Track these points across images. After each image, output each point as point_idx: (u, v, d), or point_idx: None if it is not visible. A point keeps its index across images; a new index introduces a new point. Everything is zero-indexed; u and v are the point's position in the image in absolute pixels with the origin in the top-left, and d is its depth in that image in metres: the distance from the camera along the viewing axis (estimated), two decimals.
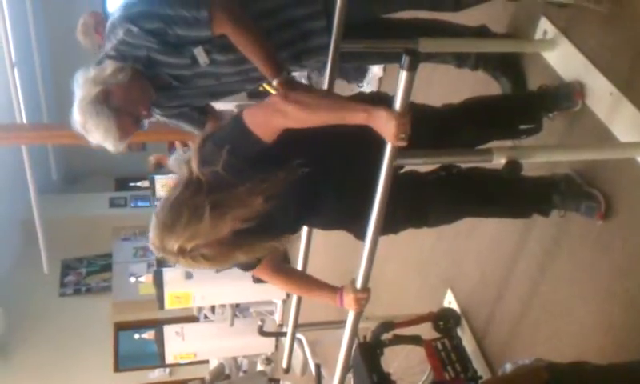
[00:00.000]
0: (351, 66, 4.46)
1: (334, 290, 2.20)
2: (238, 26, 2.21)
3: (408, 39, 2.47)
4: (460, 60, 2.83)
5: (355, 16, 2.35)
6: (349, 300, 2.09)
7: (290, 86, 2.22)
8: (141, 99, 2.36)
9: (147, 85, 2.38)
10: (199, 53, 2.28)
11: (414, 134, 1.74)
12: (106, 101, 2.27)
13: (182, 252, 1.81)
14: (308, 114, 1.81)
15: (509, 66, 2.80)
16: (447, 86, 2.45)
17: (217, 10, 2.17)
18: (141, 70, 2.33)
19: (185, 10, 2.17)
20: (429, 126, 2.15)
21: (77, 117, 2.30)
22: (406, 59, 1.62)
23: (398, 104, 1.70)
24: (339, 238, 5.46)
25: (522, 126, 2.50)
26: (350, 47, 2.43)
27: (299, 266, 2.85)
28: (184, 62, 2.32)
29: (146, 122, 2.44)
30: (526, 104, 2.55)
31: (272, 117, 1.84)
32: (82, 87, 2.29)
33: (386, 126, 1.72)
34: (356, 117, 1.79)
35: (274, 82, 2.25)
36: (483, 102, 2.52)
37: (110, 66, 2.28)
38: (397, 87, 1.67)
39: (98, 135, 2.31)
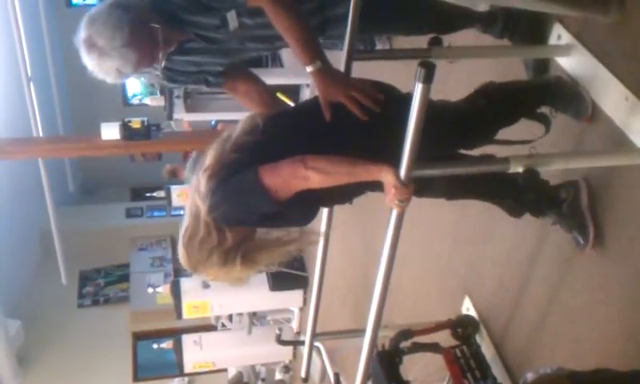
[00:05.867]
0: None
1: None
2: (277, 3, 2.10)
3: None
4: (486, 24, 2.73)
5: None
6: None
7: (324, 77, 2.09)
8: (160, 22, 2.14)
9: (169, 26, 2.19)
10: (232, 17, 2.18)
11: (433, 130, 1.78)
12: (123, 7, 2.07)
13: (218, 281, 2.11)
14: (328, 179, 1.89)
15: (536, 42, 2.74)
16: (462, 93, 2.45)
17: None
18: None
19: None
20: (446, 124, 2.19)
21: (83, 27, 2.07)
22: (421, 71, 1.62)
23: (403, 170, 1.77)
24: (356, 240, 5.47)
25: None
26: (363, 57, 2.43)
27: (317, 268, 2.85)
28: (213, 22, 2.21)
29: (159, 66, 2.25)
30: (542, 91, 2.54)
31: (294, 182, 1.90)
32: (98, 12, 2.08)
33: (389, 188, 1.82)
34: (369, 174, 1.88)
35: (308, 70, 2.11)
36: (502, 85, 2.51)
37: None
38: (412, 105, 1.67)
39: (103, 40, 2.03)
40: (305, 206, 2.05)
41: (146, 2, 2.15)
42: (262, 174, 1.91)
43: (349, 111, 2.06)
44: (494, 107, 2.40)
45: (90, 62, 2.11)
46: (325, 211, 2.54)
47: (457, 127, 2.27)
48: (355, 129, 2.07)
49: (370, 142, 2.06)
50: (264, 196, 1.91)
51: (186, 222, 2.02)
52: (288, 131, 2.11)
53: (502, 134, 2.45)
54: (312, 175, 1.87)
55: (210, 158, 2.00)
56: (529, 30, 2.65)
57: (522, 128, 2.49)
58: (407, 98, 2.15)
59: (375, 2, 2.35)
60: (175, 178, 7.69)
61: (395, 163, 1.81)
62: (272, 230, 2.14)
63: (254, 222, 2.04)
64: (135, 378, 9.41)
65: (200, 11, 2.17)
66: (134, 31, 2.06)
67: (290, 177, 1.90)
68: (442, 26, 2.60)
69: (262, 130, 2.06)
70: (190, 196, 2.04)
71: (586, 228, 2.48)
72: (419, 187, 2.28)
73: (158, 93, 6.77)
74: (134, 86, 10.67)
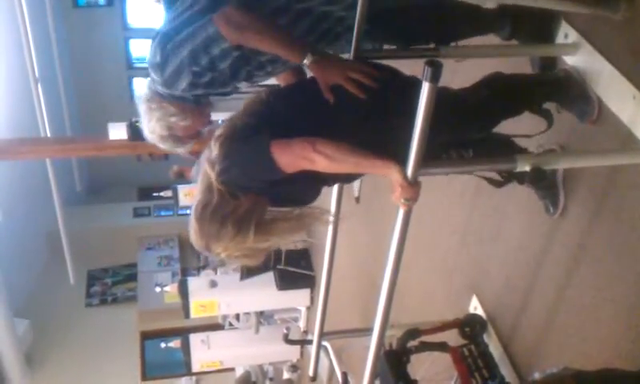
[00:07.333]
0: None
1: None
2: (242, 32, 2.13)
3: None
4: (495, 31, 2.73)
5: (381, 6, 2.31)
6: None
7: (320, 65, 2.12)
8: (200, 124, 2.49)
9: (204, 110, 2.49)
10: (241, 84, 2.38)
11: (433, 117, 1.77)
12: (171, 135, 2.44)
13: (229, 256, 2.08)
14: (334, 165, 1.93)
15: (543, 41, 2.72)
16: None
17: (219, 24, 2.12)
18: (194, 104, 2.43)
19: (197, 37, 2.17)
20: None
21: (147, 134, 2.47)
22: (428, 70, 1.62)
23: (410, 170, 1.79)
24: (363, 239, 5.48)
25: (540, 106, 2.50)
26: (370, 56, 2.42)
27: (324, 267, 2.86)
28: (227, 90, 2.42)
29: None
30: (549, 87, 2.54)
31: (301, 161, 1.95)
32: (146, 116, 2.41)
33: (396, 186, 1.83)
34: (375, 169, 1.92)
35: (305, 63, 2.13)
36: (509, 77, 2.51)
37: (172, 110, 2.38)
38: (420, 103, 1.68)
39: (165, 149, 2.55)
40: (307, 184, 2.12)
41: (176, 107, 2.39)
42: (273, 148, 1.95)
43: (350, 96, 2.08)
44: (497, 98, 2.41)
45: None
46: (333, 203, 2.56)
47: (456, 114, 2.27)
48: (358, 110, 2.10)
49: (373, 124, 2.11)
50: (272, 168, 1.96)
51: (197, 198, 2.06)
52: (292, 107, 2.16)
53: (507, 125, 2.46)
54: (319, 159, 1.91)
55: (221, 128, 2.07)
56: (536, 29, 2.65)
57: (527, 122, 2.49)
58: (411, 80, 2.17)
59: (382, 19, 2.39)
60: (182, 178, 7.71)
61: (401, 148, 1.81)
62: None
63: (260, 188, 2.06)
64: (143, 376, 9.44)
65: (214, 88, 2.35)
66: (186, 145, 2.52)
67: (299, 156, 1.94)
68: (449, 37, 2.60)
69: (267, 100, 2.14)
70: (201, 173, 2.08)
71: (558, 198, 2.66)
72: None
73: None
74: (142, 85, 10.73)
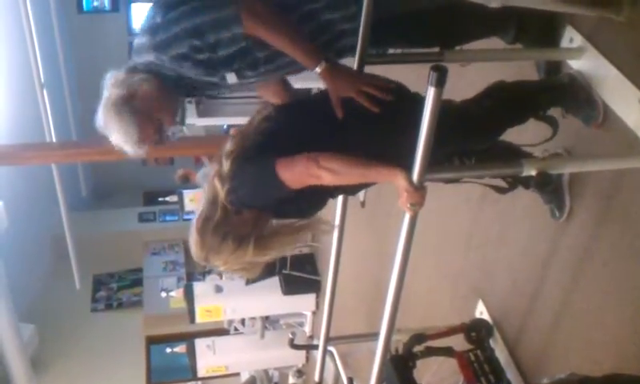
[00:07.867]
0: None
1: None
2: (266, 25, 2.13)
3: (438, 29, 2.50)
4: (499, 35, 2.72)
5: (384, 12, 2.29)
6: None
7: (332, 75, 2.13)
8: (165, 108, 2.32)
9: (174, 98, 2.37)
10: (230, 76, 2.28)
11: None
12: (130, 102, 2.23)
13: (228, 269, 2.10)
14: (339, 179, 1.96)
15: (548, 45, 2.72)
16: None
17: (242, 12, 2.10)
18: (169, 85, 2.31)
19: (210, 13, 2.11)
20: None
21: (100, 116, 2.28)
22: (433, 75, 1.62)
23: (415, 175, 1.79)
24: (368, 244, 5.47)
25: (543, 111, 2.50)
26: (375, 61, 2.42)
27: (330, 272, 2.85)
28: (213, 80, 2.32)
29: (176, 135, 2.46)
30: (554, 92, 2.53)
31: (306, 178, 1.97)
32: (108, 88, 2.27)
33: (402, 192, 1.83)
34: (381, 177, 1.95)
35: (316, 71, 2.14)
36: (512, 85, 2.51)
37: (138, 75, 2.26)
38: (424, 109, 1.68)
39: (119, 136, 2.26)
40: (313, 197, 2.13)
41: (148, 74, 2.27)
42: (278, 168, 1.97)
43: (358, 108, 2.09)
44: (501, 108, 2.41)
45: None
46: (339, 208, 2.56)
47: (459, 128, 2.27)
48: (364, 125, 2.11)
49: (379, 139, 2.11)
50: (279, 186, 1.98)
51: (200, 209, 2.08)
52: (297, 123, 2.18)
53: (513, 132, 2.46)
54: (324, 174, 1.92)
55: (231, 143, 2.07)
56: (540, 33, 2.64)
57: (532, 128, 2.49)
58: (416, 97, 2.18)
59: (385, 24, 2.37)
60: (187, 182, 7.72)
61: (406, 161, 1.82)
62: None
63: (269, 206, 2.09)
64: (149, 382, 9.43)
65: (202, 72, 2.26)
66: (143, 130, 2.26)
67: (304, 173, 1.95)
68: (454, 40, 2.59)
69: (274, 117, 2.15)
70: (208, 183, 2.08)
71: (563, 202, 2.67)
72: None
73: None
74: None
